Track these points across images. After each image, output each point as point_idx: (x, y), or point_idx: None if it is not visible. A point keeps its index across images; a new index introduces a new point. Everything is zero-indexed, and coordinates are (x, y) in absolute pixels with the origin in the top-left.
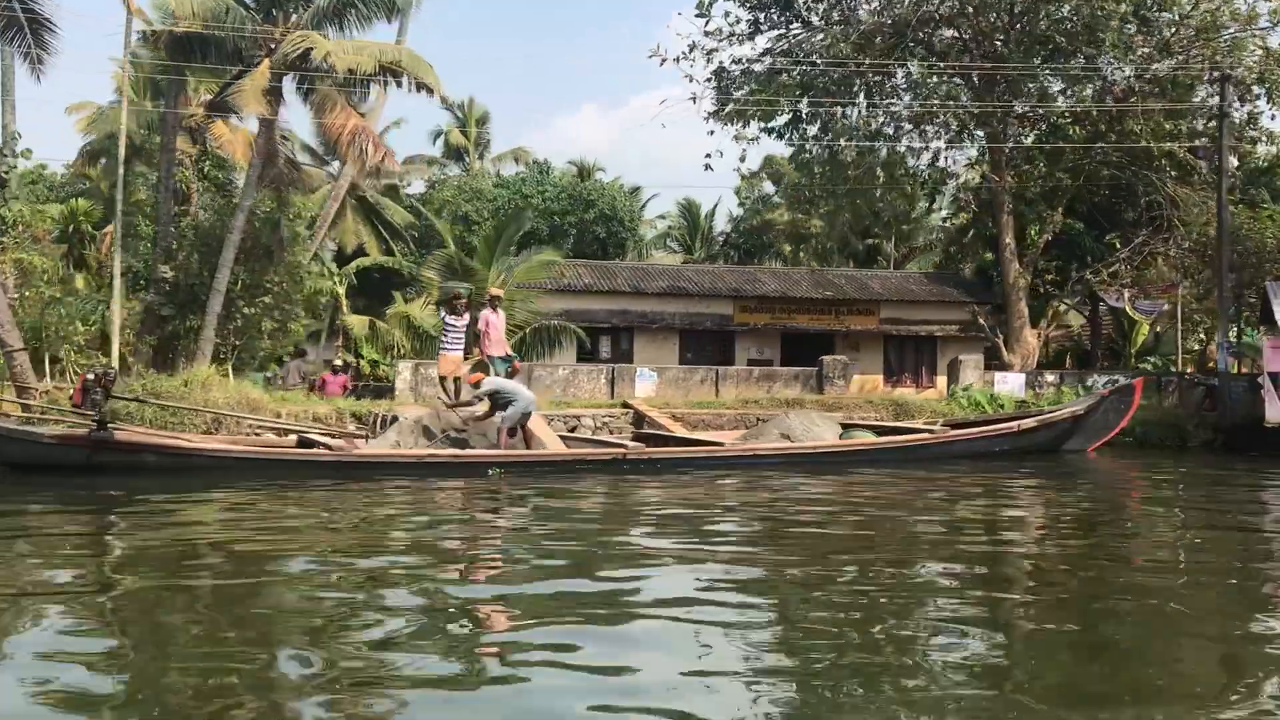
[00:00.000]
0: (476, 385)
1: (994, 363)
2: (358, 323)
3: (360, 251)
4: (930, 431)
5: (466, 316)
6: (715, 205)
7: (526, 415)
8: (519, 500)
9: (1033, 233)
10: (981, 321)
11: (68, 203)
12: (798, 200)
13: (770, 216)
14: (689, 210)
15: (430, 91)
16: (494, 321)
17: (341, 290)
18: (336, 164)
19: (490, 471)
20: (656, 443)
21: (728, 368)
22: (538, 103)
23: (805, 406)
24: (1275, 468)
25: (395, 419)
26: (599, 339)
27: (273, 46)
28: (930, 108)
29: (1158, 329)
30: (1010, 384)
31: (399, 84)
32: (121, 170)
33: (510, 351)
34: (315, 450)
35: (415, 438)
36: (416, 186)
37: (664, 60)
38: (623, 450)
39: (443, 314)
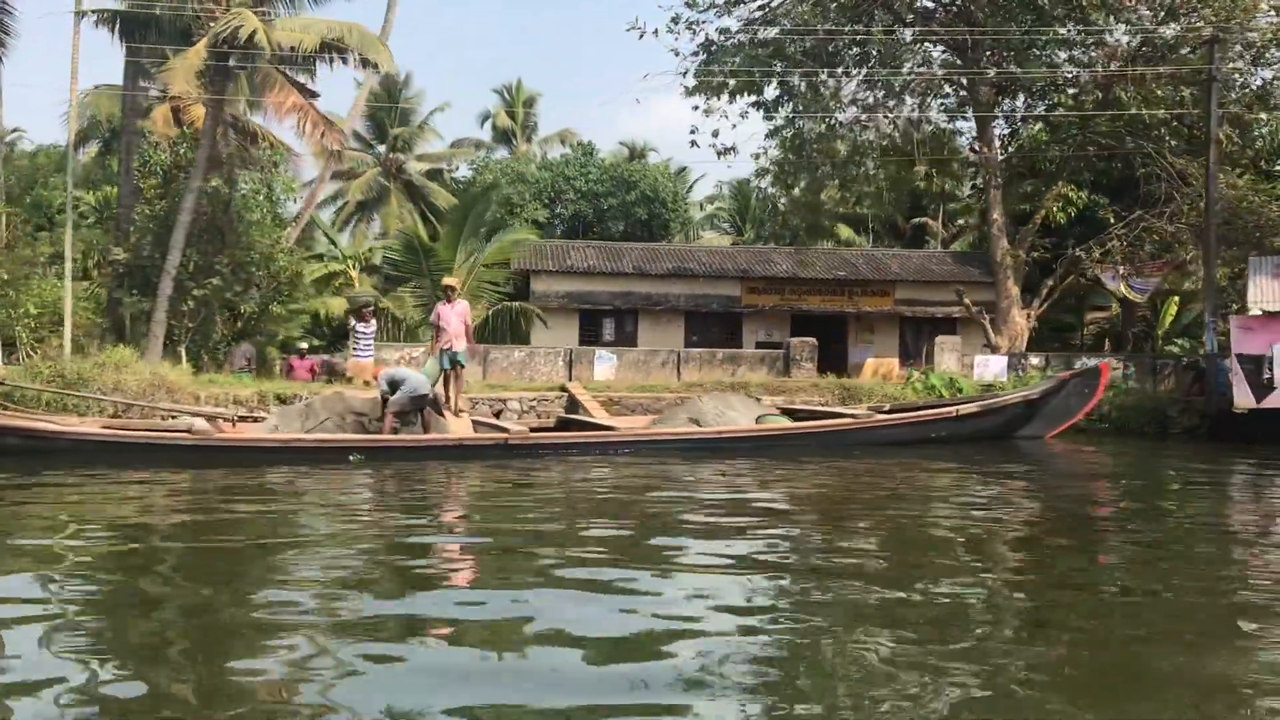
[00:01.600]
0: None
1: (984, 345)
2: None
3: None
4: (854, 417)
5: (374, 324)
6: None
7: (423, 399)
8: (329, 487)
9: (1054, 211)
10: (967, 302)
11: (36, 189)
12: (779, 176)
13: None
14: (740, 191)
15: (376, 67)
16: (444, 314)
17: (355, 273)
18: (382, 148)
19: (351, 458)
20: (575, 428)
21: (690, 350)
22: (598, 85)
23: (748, 391)
24: (1248, 458)
25: (307, 402)
26: (602, 321)
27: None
28: (906, 75)
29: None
30: (992, 367)
31: (344, 61)
32: (70, 153)
33: (470, 346)
34: (173, 434)
35: (302, 421)
36: (464, 171)
37: (643, 34)
38: (504, 435)
39: (352, 322)
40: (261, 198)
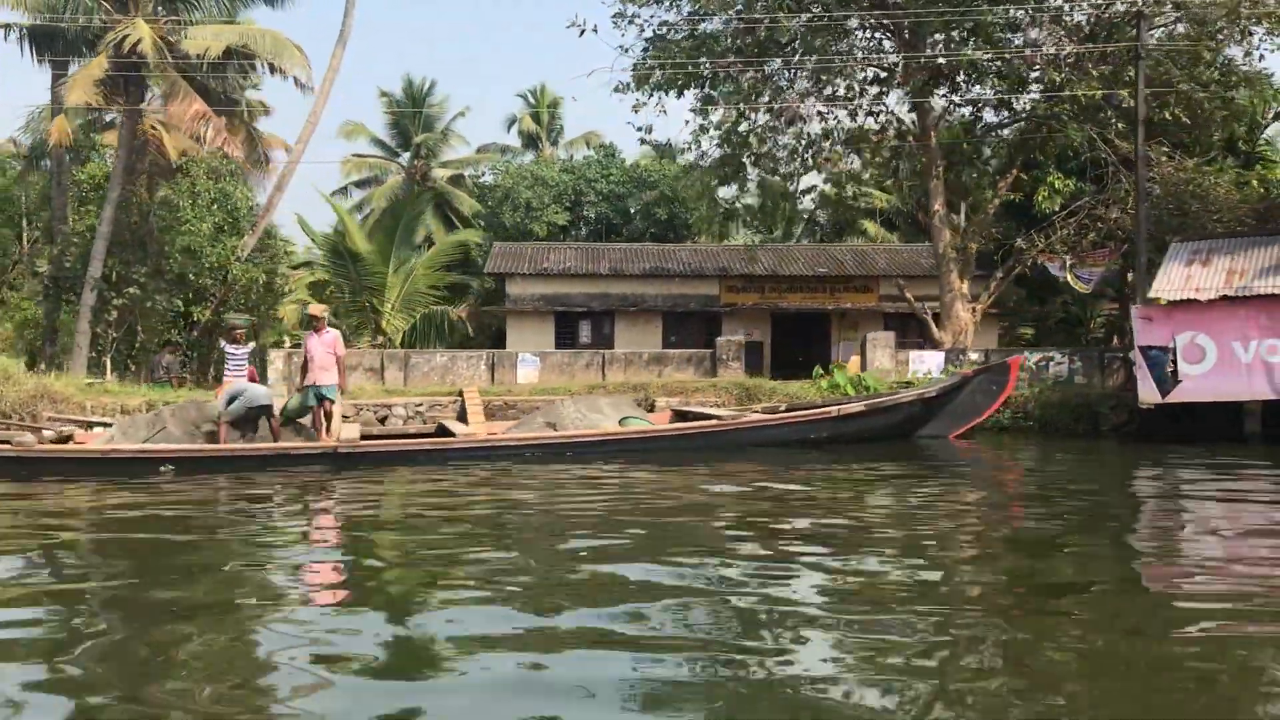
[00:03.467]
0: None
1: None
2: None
3: (430, 242)
4: (718, 419)
5: (250, 345)
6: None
7: (263, 409)
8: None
9: (1041, 199)
10: (908, 296)
11: None
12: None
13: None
14: (766, 188)
15: (284, 74)
16: (311, 346)
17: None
18: (406, 155)
19: (162, 469)
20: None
21: (614, 351)
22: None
23: (642, 392)
24: (1150, 459)
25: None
26: (579, 324)
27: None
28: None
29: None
30: (927, 363)
31: (253, 67)
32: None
33: (341, 380)
34: None
35: (147, 430)
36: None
37: (583, 31)
38: (333, 444)
39: (223, 343)
40: (215, 206)
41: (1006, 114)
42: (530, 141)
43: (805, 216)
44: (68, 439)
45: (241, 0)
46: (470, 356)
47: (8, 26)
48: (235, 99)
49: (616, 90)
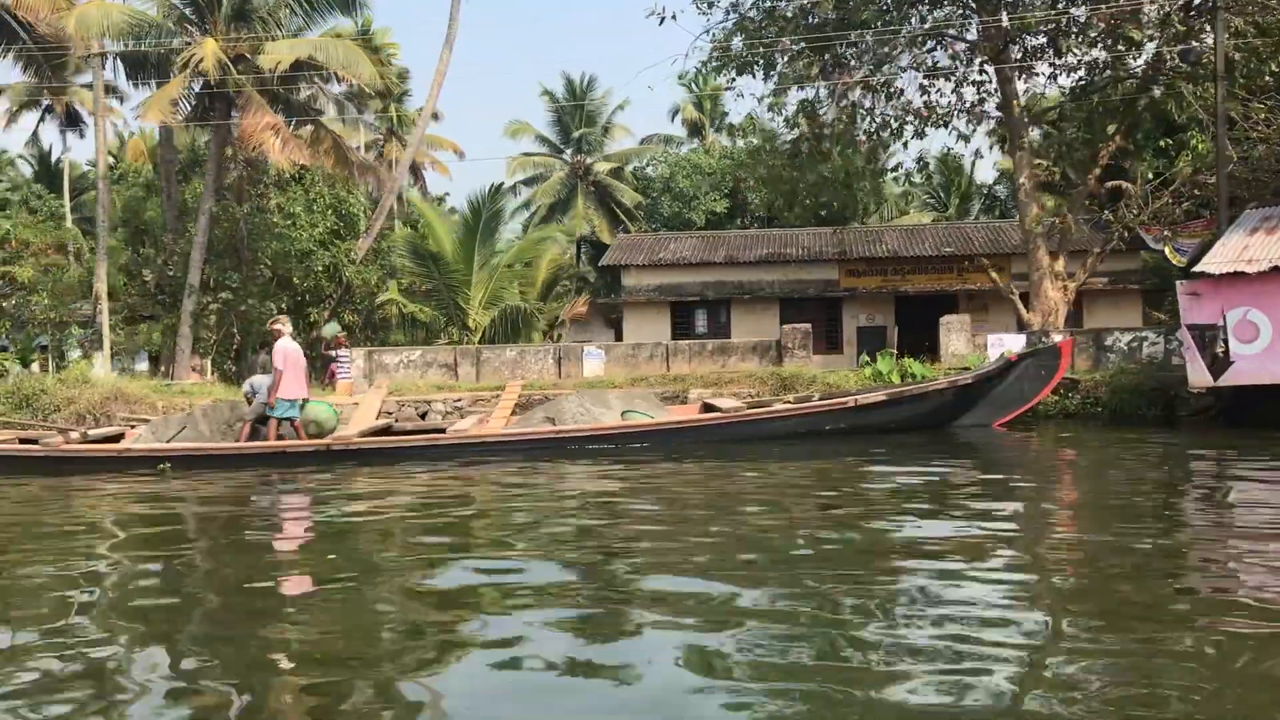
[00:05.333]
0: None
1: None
2: None
3: (592, 236)
4: (721, 411)
5: (346, 349)
6: (975, 157)
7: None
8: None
9: (1185, 165)
10: (995, 276)
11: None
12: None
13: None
14: (944, 163)
15: (352, 82)
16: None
17: None
18: (569, 151)
19: (159, 467)
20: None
21: (679, 342)
22: None
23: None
24: (1225, 448)
25: (189, 412)
26: (694, 313)
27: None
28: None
29: None
30: (1007, 346)
31: (323, 77)
32: (102, 185)
33: (270, 399)
34: (22, 447)
35: (178, 429)
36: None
37: (663, 19)
38: (326, 442)
39: (333, 352)
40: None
41: (1101, 76)
42: (694, 130)
43: (985, 191)
44: (118, 437)
45: (319, 12)
46: (539, 350)
47: (103, 55)
48: (318, 110)
49: (681, 79)
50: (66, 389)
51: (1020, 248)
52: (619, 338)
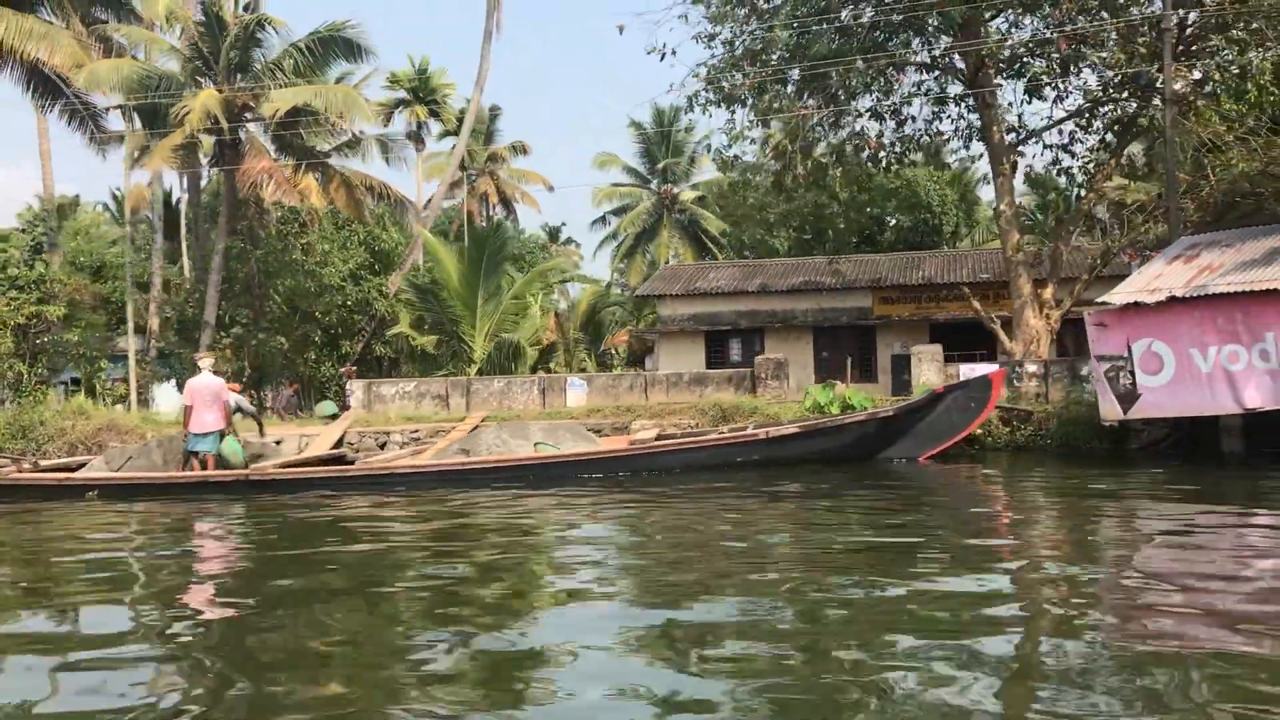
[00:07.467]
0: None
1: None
2: None
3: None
4: (630, 443)
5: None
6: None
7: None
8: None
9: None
10: (977, 305)
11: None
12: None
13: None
14: (1039, 183)
15: (347, 126)
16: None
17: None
18: (655, 181)
19: (87, 495)
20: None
21: (657, 373)
22: None
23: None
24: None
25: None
26: (728, 342)
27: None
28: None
29: None
30: (929, 379)
31: (318, 122)
32: (128, 230)
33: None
34: None
35: (134, 459)
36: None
37: (664, 55)
38: (246, 472)
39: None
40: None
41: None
42: (780, 154)
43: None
44: (78, 467)
45: (324, 60)
46: (525, 382)
47: (122, 107)
48: (324, 151)
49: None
50: (62, 419)
51: (1066, 272)
52: (644, 365)
